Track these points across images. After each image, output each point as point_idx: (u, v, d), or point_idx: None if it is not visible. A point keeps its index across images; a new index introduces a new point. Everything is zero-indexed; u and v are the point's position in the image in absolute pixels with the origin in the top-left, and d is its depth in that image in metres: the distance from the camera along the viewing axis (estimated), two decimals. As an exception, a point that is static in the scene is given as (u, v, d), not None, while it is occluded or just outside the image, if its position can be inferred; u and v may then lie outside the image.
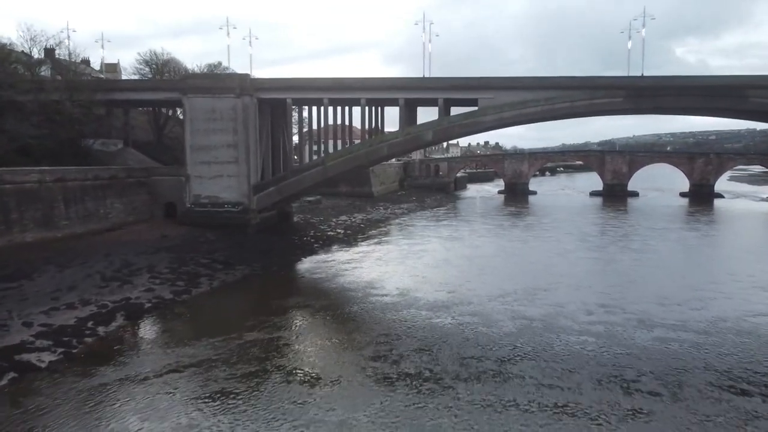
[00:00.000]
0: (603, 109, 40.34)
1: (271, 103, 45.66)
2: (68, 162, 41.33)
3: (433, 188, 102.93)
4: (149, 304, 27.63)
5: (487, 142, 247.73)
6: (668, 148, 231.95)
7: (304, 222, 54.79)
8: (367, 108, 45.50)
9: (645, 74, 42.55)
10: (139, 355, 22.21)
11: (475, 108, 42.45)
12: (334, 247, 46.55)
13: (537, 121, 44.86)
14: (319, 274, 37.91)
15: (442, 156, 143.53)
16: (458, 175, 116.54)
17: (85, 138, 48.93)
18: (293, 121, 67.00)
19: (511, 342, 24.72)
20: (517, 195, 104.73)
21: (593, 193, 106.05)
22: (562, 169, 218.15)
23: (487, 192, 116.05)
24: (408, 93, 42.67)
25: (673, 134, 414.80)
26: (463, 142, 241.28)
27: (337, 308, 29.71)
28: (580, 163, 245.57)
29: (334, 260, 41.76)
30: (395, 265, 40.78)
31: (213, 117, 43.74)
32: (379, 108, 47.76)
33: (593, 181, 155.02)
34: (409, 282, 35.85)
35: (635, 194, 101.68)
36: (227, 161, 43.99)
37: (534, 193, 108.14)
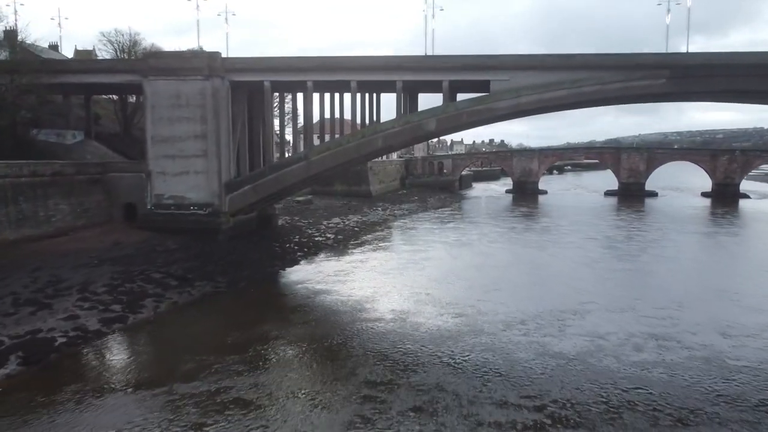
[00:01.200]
0: (640, 93, 33.60)
1: (249, 88, 39.03)
2: (5, 155, 34.80)
3: (436, 187, 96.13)
4: (63, 340, 20.96)
5: (492, 140, 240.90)
6: (677, 146, 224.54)
7: (289, 226, 48.14)
8: (359, 95, 38.92)
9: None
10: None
11: (487, 93, 35.80)
12: (322, 256, 39.90)
13: (560, 109, 38.16)
14: (299, 290, 31.29)
15: (446, 153, 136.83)
16: (463, 173, 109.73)
17: (38, 128, 42.48)
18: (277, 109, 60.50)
19: (539, 394, 18.10)
20: (526, 194, 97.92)
21: (608, 193, 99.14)
22: (569, 167, 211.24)
23: (494, 191, 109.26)
24: (407, 74, 35.98)
25: (679, 132, 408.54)
26: (467, 139, 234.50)
27: (316, 341, 23.06)
28: (588, 161, 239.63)
29: (319, 272, 35.11)
30: (392, 278, 34.16)
31: (178, 103, 37.14)
32: (374, 96, 41.07)
33: (604, 179, 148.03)
34: (408, 301, 29.25)
35: (653, 194, 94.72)
36: (194, 155, 37.38)
37: (544, 192, 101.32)
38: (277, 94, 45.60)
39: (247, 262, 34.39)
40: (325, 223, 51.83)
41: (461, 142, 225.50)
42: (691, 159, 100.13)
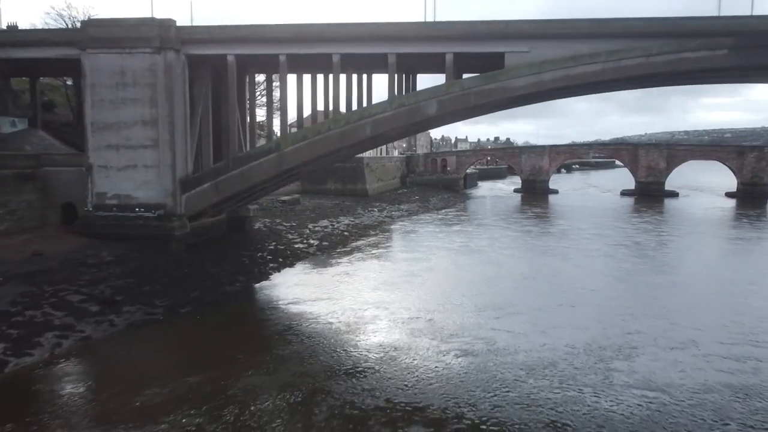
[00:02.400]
0: (694, 68, 26.63)
1: (213, 66, 32.21)
2: None
3: (439, 186, 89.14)
4: None
5: (497, 138, 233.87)
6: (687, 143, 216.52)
7: (267, 230, 41.28)
8: (344, 77, 32.09)
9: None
10: None
11: (501, 69, 28.90)
12: (299, 269, 33.05)
13: (592, 89, 31.22)
14: (260, 318, 24.46)
15: (450, 150, 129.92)
16: (468, 171, 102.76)
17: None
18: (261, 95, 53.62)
19: None
20: (536, 194, 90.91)
21: (624, 193, 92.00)
22: (577, 166, 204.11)
23: (502, 190, 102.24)
24: (401, 46, 29.08)
25: (686, 132, 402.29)
26: (472, 137, 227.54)
27: (269, 398, 16.27)
28: (597, 159, 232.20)
29: (292, 290, 28.28)
30: (384, 297, 27.35)
31: (123, 81, 30.37)
32: (365, 77, 34.17)
33: (616, 178, 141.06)
34: (401, 331, 22.53)
35: (674, 194, 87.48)
36: (143, 145, 30.59)
37: (555, 191, 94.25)
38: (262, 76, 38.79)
39: (201, 278, 27.53)
40: (310, 226, 44.96)
41: (466, 140, 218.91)
42: (715, 156, 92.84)
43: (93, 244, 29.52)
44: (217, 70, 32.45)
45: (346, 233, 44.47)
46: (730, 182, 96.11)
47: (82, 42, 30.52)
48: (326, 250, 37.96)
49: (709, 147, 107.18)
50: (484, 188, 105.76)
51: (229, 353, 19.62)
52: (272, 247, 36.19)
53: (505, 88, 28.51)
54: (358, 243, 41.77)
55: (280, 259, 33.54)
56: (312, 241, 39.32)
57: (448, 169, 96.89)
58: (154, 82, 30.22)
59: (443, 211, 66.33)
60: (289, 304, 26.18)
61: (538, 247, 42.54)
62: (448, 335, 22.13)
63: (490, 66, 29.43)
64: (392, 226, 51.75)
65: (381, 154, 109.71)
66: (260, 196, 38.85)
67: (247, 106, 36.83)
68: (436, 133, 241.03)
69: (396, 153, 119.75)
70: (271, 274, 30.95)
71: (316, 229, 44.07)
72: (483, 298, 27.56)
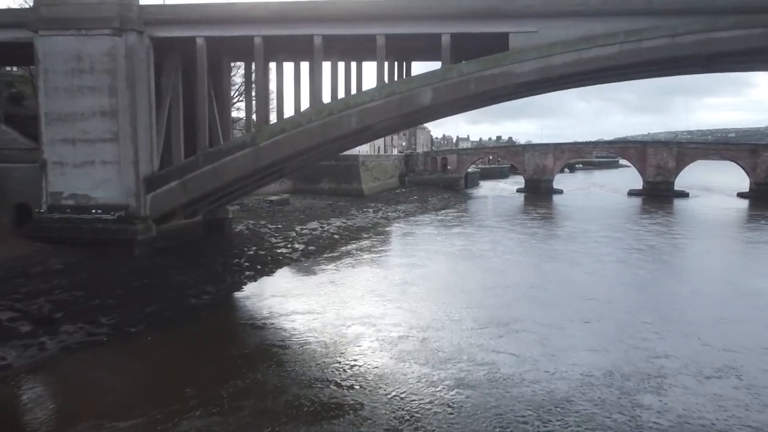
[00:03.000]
0: (727, 50, 23.13)
1: (182, 50, 28.83)
2: None
3: (439, 185, 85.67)
4: None
5: (499, 137, 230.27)
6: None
7: (249, 233, 37.89)
8: (329, 65, 28.74)
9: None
10: None
11: (505, 53, 25.48)
12: (278, 277, 29.65)
13: (607, 76, 27.64)
14: (225, 337, 21.02)
15: (451, 148, 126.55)
16: (469, 170, 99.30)
17: None
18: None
19: None
20: (540, 194, 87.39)
21: (632, 193, 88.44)
22: (581, 166, 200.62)
23: (504, 190, 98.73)
24: (391, 25, 25.61)
25: (690, 132, 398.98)
26: (474, 136, 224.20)
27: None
28: (600, 159, 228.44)
29: (267, 302, 24.88)
30: (372, 310, 23.99)
31: (79, 68, 26.99)
32: (354, 66, 30.72)
33: (622, 178, 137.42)
34: (388, 353, 19.13)
35: (684, 194, 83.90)
36: (102, 138, 27.19)
37: (560, 191, 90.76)
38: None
39: (162, 289, 24.12)
40: (298, 228, 41.55)
41: (467, 138, 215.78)
42: (727, 155, 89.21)
43: (44, 251, 26.15)
44: (189, 57, 29.06)
45: (336, 236, 41.05)
46: (741, 182, 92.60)
47: (33, 23, 27.14)
48: (312, 256, 34.55)
49: (721, 145, 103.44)
50: (486, 188, 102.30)
51: (176, 386, 16.19)
52: (252, 253, 32.79)
53: (509, 74, 25.03)
54: (349, 247, 38.35)
55: (259, 266, 30.13)
56: (297, 246, 35.91)
57: (449, 168, 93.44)
58: (114, 68, 26.81)
59: (443, 211, 62.88)
60: (261, 319, 22.77)
61: (544, 252, 39.08)
62: (442, 360, 18.74)
63: (491, 50, 25.97)
64: (388, 228, 48.32)
65: (378, 152, 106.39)
66: (240, 195, 35.45)
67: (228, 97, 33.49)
68: (437, 132, 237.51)
69: (395, 152, 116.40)
70: (245, 283, 27.54)
71: (304, 231, 40.66)
72: (484, 312, 24.15)
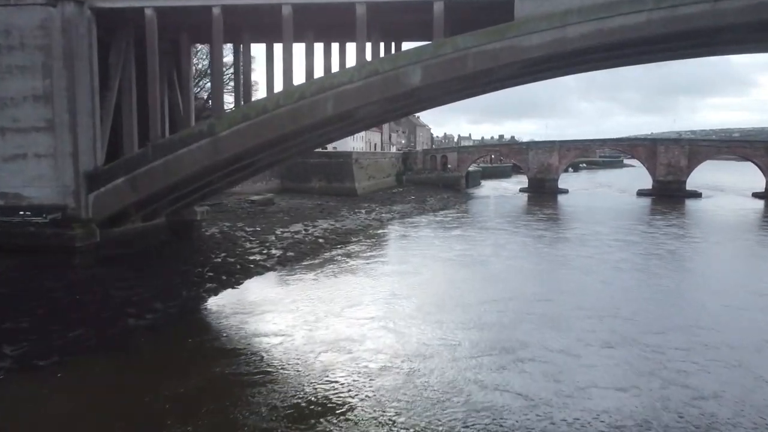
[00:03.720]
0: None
1: (134, 24, 24.69)
2: None
3: (439, 185, 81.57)
4: None
5: (501, 136, 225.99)
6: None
7: (221, 237, 33.80)
8: (301, 46, 24.65)
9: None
10: None
11: (510, 23, 21.35)
12: (246, 289, 25.48)
13: (631, 55, 23.16)
14: (163, 371, 16.78)
15: (452, 146, 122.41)
16: (471, 169, 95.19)
17: None
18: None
19: None
20: (544, 194, 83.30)
21: (641, 193, 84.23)
22: (584, 165, 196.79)
23: (507, 190, 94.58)
24: (375, -7, 21.58)
25: (693, 132, 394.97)
26: (475, 135, 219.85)
27: None
28: (603, 158, 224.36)
29: (225, 324, 20.75)
30: (350, 331, 19.89)
31: (8, 44, 22.86)
32: (335, 48, 26.60)
33: (628, 177, 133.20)
34: (364, 395, 14.94)
35: (697, 195, 79.70)
36: (35, 127, 23.07)
37: (565, 191, 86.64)
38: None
39: (96, 307, 19.98)
40: (279, 231, 37.46)
41: (469, 137, 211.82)
42: (741, 153, 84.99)
43: (-37, 260, 22.07)
44: (143, 34, 24.91)
45: (320, 240, 36.91)
46: (754, 182, 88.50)
47: (-46, -9, 23.08)
48: (290, 263, 30.42)
49: (736, 143, 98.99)
50: (488, 187, 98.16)
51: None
52: (219, 260, 28.68)
53: (514, 48, 20.87)
54: (334, 253, 34.21)
55: (224, 277, 26.01)
56: (274, 252, 31.79)
57: (449, 166, 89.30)
58: (49, 43, 22.71)
59: (442, 212, 58.71)
60: (211, 346, 18.65)
61: (553, 257, 34.94)
62: (431, 403, 14.66)
63: (493, 21, 21.82)
64: (380, 231, 44.17)
65: (373, 149, 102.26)
66: (210, 194, 31.31)
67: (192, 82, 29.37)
68: (437, 131, 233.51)
69: (394, 149, 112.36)
70: (204, 298, 23.42)
71: (285, 235, 36.55)
72: (485, 334, 20.05)
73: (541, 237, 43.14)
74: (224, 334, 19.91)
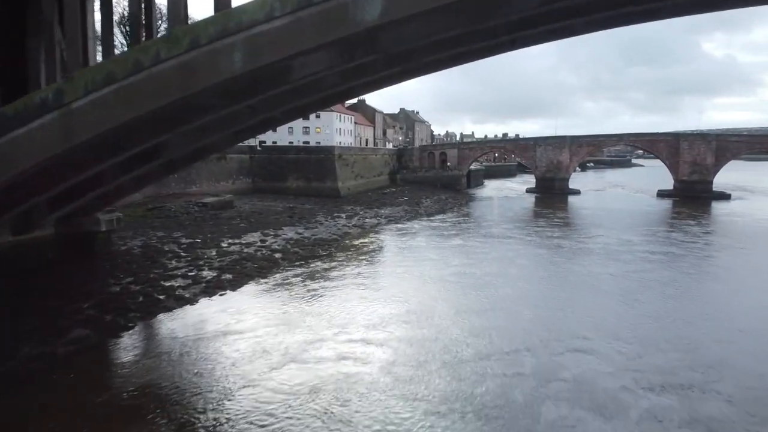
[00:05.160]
0: None
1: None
2: None
3: (437, 184, 73.44)
4: None
5: (506, 134, 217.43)
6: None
7: (140, 252, 25.58)
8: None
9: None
10: None
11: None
12: (134, 339, 17.24)
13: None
14: None
15: (451, 142, 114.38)
16: (472, 167, 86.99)
17: None
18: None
19: None
20: (554, 195, 75.07)
21: (662, 194, 75.84)
22: (591, 164, 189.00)
23: (512, 190, 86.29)
24: None
25: (698, 131, 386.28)
26: (479, 134, 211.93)
27: None
28: (611, 157, 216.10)
29: (83, 401, 12.69)
30: (270, 422, 11.73)
31: None
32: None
33: (641, 176, 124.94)
34: None
35: (725, 196, 71.32)
36: None
37: (576, 192, 78.30)
38: None
39: None
40: (226, 244, 29.30)
41: (472, 135, 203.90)
42: (775, 148, 76.60)
43: None
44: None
45: (277, 255, 28.70)
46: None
47: None
48: (220, 291, 22.18)
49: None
50: (491, 187, 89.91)
51: None
52: (118, 289, 20.51)
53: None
54: (289, 273, 25.99)
55: (108, 317, 17.83)
56: (205, 274, 23.60)
57: (448, 164, 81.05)
58: None
59: (438, 217, 50.44)
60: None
61: (578, 278, 26.70)
62: None
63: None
64: (359, 242, 35.95)
65: (362, 143, 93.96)
66: (110, 196, 22.94)
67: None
68: (439, 129, 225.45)
69: (390, 144, 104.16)
70: (59, 356, 15.22)
71: (231, 249, 28.38)
72: (501, 405, 11.89)
73: (558, 248, 34.89)
74: (72, 420, 11.78)
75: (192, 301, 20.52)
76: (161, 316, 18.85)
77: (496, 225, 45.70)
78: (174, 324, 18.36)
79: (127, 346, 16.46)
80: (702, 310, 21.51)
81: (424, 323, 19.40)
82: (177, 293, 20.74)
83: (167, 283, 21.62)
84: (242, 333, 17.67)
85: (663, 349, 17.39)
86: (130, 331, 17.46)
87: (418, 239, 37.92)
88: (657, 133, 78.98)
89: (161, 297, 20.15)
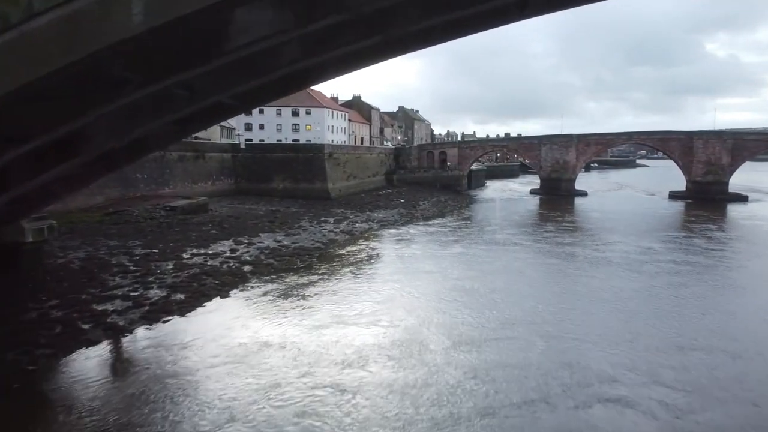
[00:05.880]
0: None
1: None
2: None
3: (436, 185, 69.47)
4: None
5: (507, 134, 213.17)
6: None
7: (79, 266, 21.61)
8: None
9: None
10: None
11: None
12: (46, 375, 13.42)
13: None
14: None
15: (451, 141, 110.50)
16: (474, 167, 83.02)
17: None
18: None
19: None
20: (559, 196, 70.99)
21: (674, 195, 71.74)
22: (595, 164, 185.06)
23: (515, 191, 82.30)
24: None
25: (704, 132, 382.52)
26: (480, 134, 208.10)
27: None
28: (616, 158, 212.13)
29: None
30: None
31: None
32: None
33: (646, 177, 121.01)
34: None
35: (742, 198, 67.18)
36: None
37: (583, 193, 74.16)
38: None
39: None
40: (188, 254, 25.34)
41: (473, 135, 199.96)
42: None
43: None
44: None
45: (246, 267, 24.71)
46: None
47: None
48: (168, 314, 18.20)
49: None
50: (494, 188, 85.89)
51: None
52: (34, 315, 16.55)
53: None
54: (258, 291, 22.01)
55: (10, 355, 13.87)
56: (153, 293, 19.63)
57: (448, 164, 77.03)
58: None
59: (437, 221, 46.42)
60: None
61: (597, 294, 22.71)
62: None
63: None
64: (344, 251, 31.91)
65: (356, 142, 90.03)
66: (34, 202, 19.03)
67: None
68: (440, 129, 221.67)
69: (389, 144, 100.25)
70: None
71: (194, 260, 24.41)
72: None
73: (570, 257, 30.89)
74: None
75: (126, 330, 16.54)
76: (79, 353, 14.87)
77: (500, 230, 41.67)
78: (89, 364, 14.37)
79: (12, 400, 12.47)
80: (755, 340, 17.52)
81: (413, 360, 15.46)
82: (109, 320, 16.77)
83: (100, 307, 17.65)
84: (176, 377, 13.70)
85: (719, 399, 13.46)
86: (30, 376, 13.49)
87: (413, 247, 33.95)
88: (669, 131, 74.87)
89: (86, 326, 16.17)
